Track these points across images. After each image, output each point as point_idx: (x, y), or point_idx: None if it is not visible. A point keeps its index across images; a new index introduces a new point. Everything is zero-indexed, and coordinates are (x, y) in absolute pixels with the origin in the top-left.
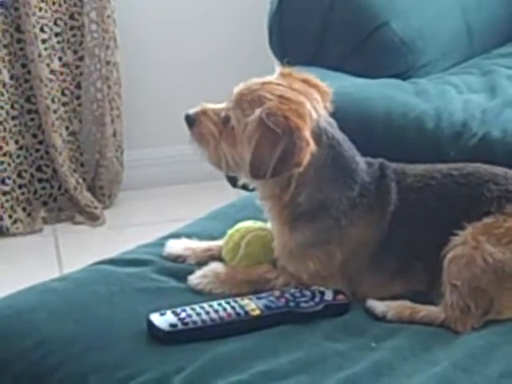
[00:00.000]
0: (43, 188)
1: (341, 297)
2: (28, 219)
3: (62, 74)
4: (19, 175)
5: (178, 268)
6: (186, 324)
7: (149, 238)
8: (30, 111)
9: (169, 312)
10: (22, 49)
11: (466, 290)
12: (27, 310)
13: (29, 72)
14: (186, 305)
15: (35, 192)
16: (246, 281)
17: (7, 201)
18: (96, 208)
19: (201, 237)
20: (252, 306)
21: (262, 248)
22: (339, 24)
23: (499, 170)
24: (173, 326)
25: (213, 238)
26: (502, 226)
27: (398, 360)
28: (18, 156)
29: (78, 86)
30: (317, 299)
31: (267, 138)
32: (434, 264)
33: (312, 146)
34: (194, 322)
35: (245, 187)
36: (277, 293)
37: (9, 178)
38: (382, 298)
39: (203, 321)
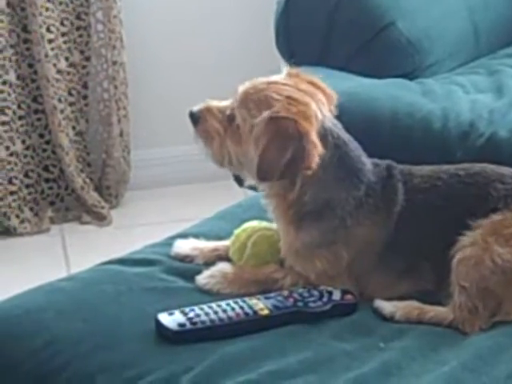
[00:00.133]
0: (50, 188)
1: (349, 297)
2: (35, 219)
3: (68, 74)
4: (26, 175)
5: (186, 268)
6: (194, 324)
7: (156, 238)
8: (36, 111)
9: (177, 312)
10: (28, 49)
11: (475, 291)
12: (36, 310)
13: (35, 72)
14: (194, 305)
15: (42, 192)
16: (254, 281)
17: (14, 201)
18: (103, 208)
19: (208, 237)
20: (260, 305)
21: (268, 248)
22: (345, 24)
23: (506, 169)
24: (181, 325)
25: (220, 238)
26: (510, 226)
27: (407, 360)
28: (25, 156)
29: (85, 86)
30: (325, 299)
31: (276, 142)
32: (441, 264)
33: (320, 149)
34: (203, 322)
35: (251, 187)
36: (285, 292)
37: (16, 177)
38: (389, 298)
39: (212, 320)
